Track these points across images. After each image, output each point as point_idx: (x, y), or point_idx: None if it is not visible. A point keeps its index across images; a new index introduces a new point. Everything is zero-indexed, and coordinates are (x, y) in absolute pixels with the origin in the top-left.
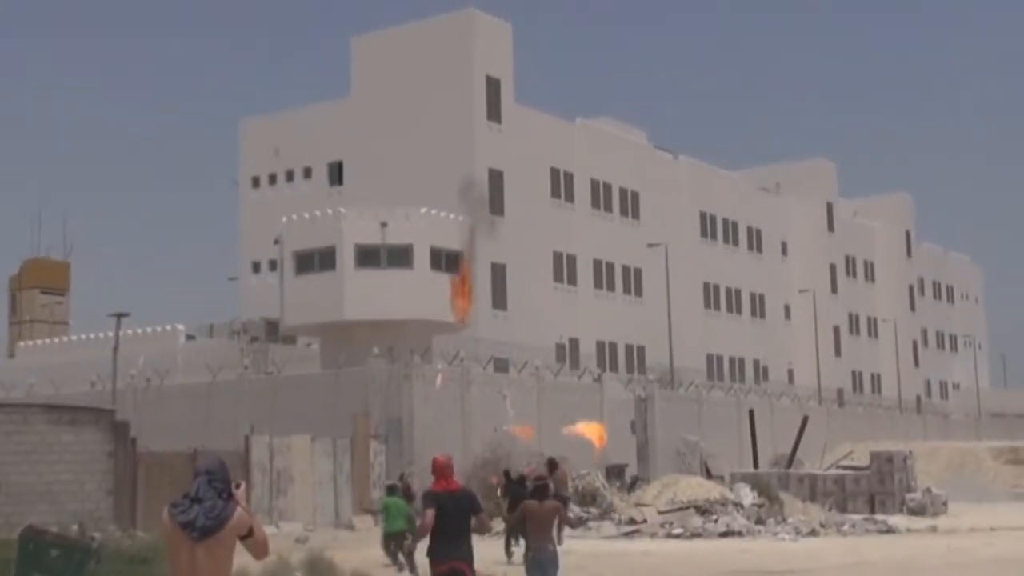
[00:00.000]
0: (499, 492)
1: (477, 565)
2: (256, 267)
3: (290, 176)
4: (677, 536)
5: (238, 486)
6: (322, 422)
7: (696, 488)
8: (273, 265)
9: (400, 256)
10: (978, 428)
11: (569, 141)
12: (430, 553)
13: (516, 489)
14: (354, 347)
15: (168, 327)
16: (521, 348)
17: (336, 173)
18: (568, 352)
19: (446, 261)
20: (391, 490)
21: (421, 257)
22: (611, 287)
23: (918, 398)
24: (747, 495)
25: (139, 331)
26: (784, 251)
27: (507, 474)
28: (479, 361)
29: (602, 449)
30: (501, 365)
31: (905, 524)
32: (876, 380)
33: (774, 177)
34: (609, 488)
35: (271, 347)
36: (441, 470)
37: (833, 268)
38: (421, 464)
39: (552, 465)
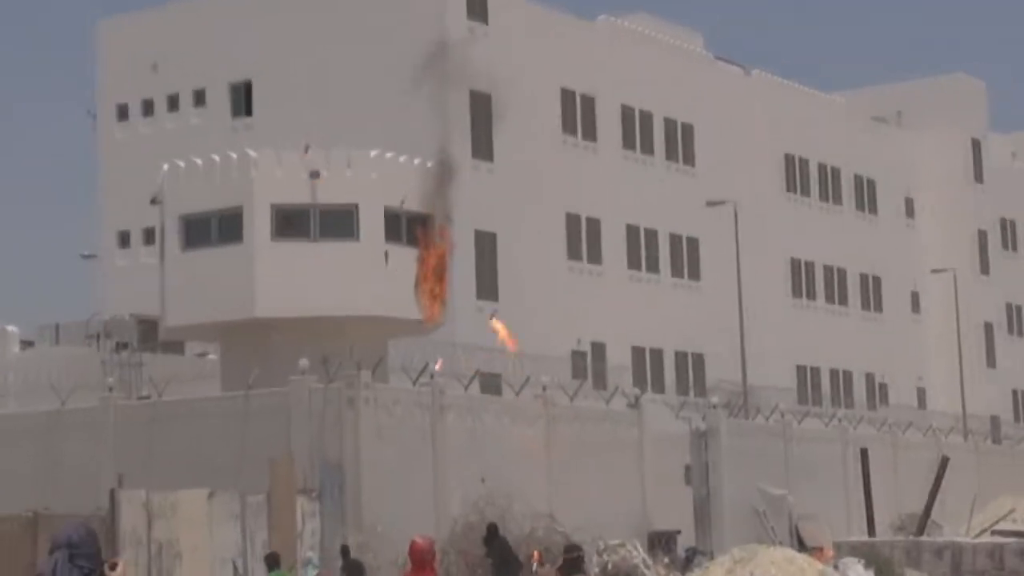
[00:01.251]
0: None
1: None
2: (124, 239)
3: (173, 103)
4: None
5: (113, 566)
6: (224, 470)
7: (784, 566)
8: (150, 236)
9: (339, 222)
10: None
11: (589, 49)
12: None
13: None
14: (271, 358)
15: None
16: (520, 358)
17: (242, 98)
18: (591, 363)
19: (408, 229)
20: (272, 564)
21: (371, 223)
22: (653, 266)
23: None
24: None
25: None
26: (910, 211)
27: (491, 529)
28: (459, 378)
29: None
30: (491, 383)
31: None
32: None
33: (893, 102)
34: (654, 566)
35: (147, 358)
36: (420, 559)
37: (983, 237)
38: (373, 532)
39: (572, 552)
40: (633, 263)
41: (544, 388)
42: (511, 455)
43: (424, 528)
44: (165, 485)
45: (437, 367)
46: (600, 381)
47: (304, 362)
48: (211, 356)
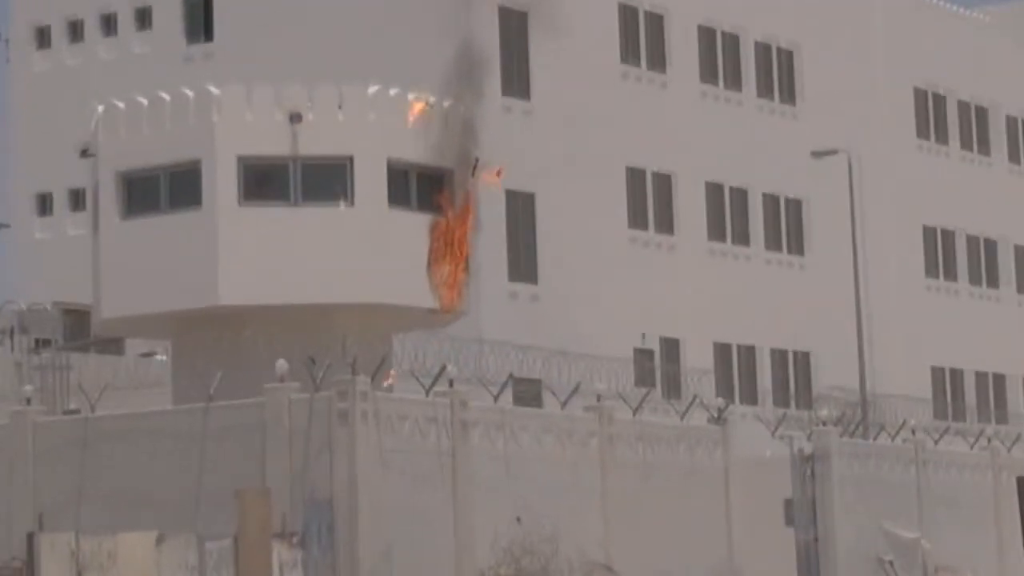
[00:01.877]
0: None
1: None
2: (44, 204)
3: (109, 24)
4: None
5: None
6: (178, 506)
7: None
8: (79, 200)
9: (328, 179)
10: None
11: None
12: None
13: None
14: (240, 360)
15: None
16: (567, 359)
17: (200, 17)
18: (660, 366)
19: (420, 189)
20: None
21: (369, 182)
22: (742, 237)
23: None
24: None
25: None
26: None
27: None
28: (486, 385)
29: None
30: (529, 393)
31: None
32: None
33: None
34: None
35: (77, 360)
36: None
37: None
38: None
39: None
40: (716, 233)
41: (599, 398)
42: (556, 486)
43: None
44: (100, 527)
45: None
46: (673, 389)
47: (283, 364)
48: (160, 357)
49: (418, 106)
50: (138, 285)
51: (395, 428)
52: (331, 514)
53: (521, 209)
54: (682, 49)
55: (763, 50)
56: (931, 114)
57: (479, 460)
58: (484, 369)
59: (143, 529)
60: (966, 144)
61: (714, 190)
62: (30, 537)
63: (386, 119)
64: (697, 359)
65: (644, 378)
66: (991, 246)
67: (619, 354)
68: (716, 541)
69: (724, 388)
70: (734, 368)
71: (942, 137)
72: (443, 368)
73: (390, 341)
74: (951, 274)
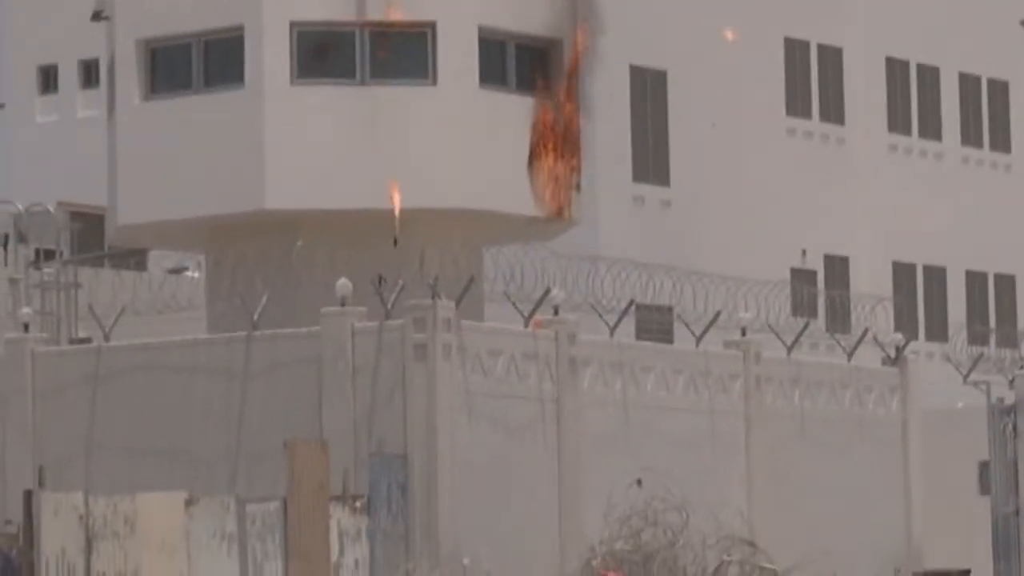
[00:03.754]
0: None
1: None
2: (48, 79)
3: None
4: None
5: None
6: (213, 460)
7: None
8: (92, 75)
9: (404, 52)
10: None
11: None
12: None
13: None
14: (291, 279)
15: None
16: (704, 281)
17: None
18: (823, 291)
19: (519, 66)
20: None
21: (455, 55)
22: (930, 129)
23: None
24: None
25: None
26: None
27: None
28: (601, 313)
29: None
30: (655, 323)
31: None
32: None
33: None
34: None
35: (87, 276)
36: None
37: None
38: (456, 566)
39: None
40: (897, 123)
41: (744, 331)
42: (687, 442)
43: (545, 562)
44: (116, 485)
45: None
46: (839, 320)
47: (345, 284)
48: (191, 274)
49: None
50: (164, 183)
51: (485, 366)
52: (404, 472)
53: (650, 91)
54: None
55: None
56: None
57: (591, 408)
58: (599, 293)
59: (169, 488)
60: None
61: (894, 68)
62: (28, 495)
63: None
64: (871, 282)
65: (802, 306)
66: None
67: (771, 276)
68: (890, 513)
69: (905, 320)
70: (918, 295)
71: None
72: (547, 291)
73: (480, 258)
74: None
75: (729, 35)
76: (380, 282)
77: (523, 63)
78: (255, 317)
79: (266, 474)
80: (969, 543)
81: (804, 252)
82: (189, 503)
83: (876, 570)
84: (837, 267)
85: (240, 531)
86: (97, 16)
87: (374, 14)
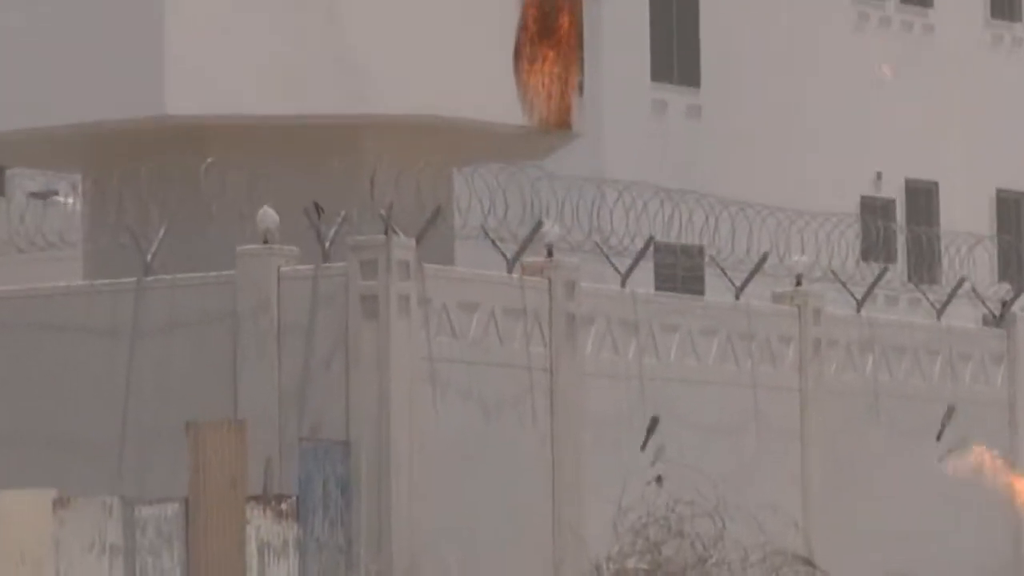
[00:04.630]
0: None
1: None
2: None
3: None
4: None
5: None
6: (92, 447)
7: None
8: None
9: None
10: None
11: None
12: None
13: None
14: (198, 208)
15: None
16: (746, 213)
17: None
18: (906, 221)
19: None
20: None
21: None
22: None
23: None
24: None
25: None
26: None
27: None
28: (609, 255)
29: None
30: (679, 269)
31: None
32: None
33: None
34: None
35: None
36: None
37: None
38: None
39: None
40: (1003, 7)
41: (798, 280)
42: (722, 427)
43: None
44: None
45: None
46: (924, 266)
47: (269, 216)
48: (63, 200)
49: None
50: (30, 81)
51: (456, 325)
52: (347, 464)
53: None
54: None
55: None
56: None
57: (595, 380)
58: (607, 229)
59: (33, 484)
60: None
61: None
62: None
63: None
64: (967, 217)
65: (877, 248)
66: None
67: (835, 207)
68: (994, 521)
69: (1013, 267)
70: None
71: None
72: (538, 226)
73: (450, 181)
74: None
75: (886, 71)
76: (317, 212)
77: None
78: (149, 258)
79: (162, 466)
80: None
81: (879, 176)
82: (59, 504)
83: None
84: (922, 196)
85: (127, 541)
86: None
87: None
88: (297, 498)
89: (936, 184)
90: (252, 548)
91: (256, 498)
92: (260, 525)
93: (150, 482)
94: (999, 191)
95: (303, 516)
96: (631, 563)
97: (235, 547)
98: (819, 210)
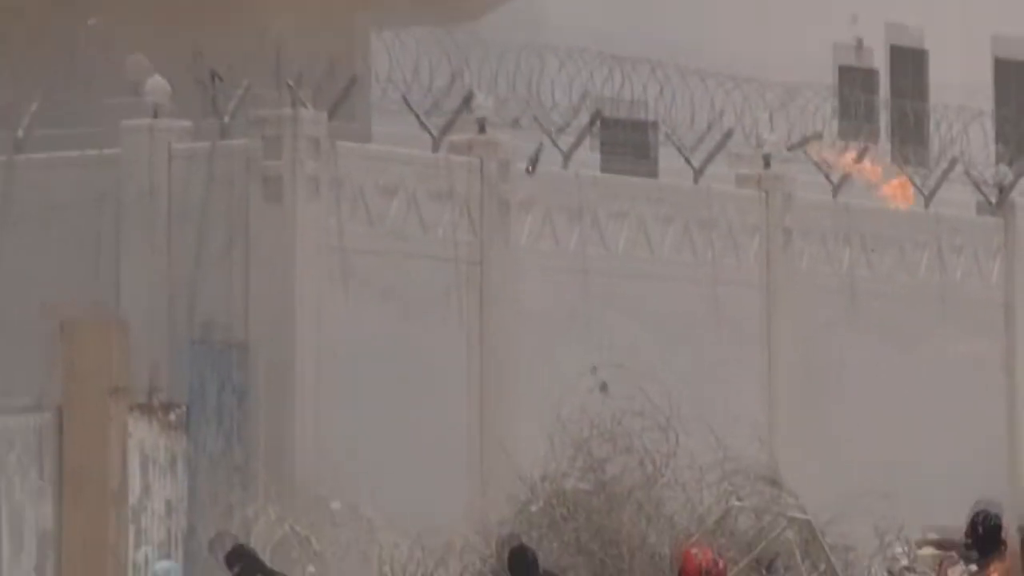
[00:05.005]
0: None
1: None
2: None
3: None
4: None
5: None
6: None
7: None
8: None
9: None
10: None
11: None
12: None
13: None
14: (74, 71)
15: None
16: (705, 81)
17: None
18: (890, 93)
19: None
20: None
21: None
22: None
23: None
24: None
25: None
26: None
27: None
28: (548, 131)
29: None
30: (627, 144)
31: None
32: None
33: None
34: None
35: None
36: None
37: None
38: (321, 512)
39: None
40: None
41: (766, 161)
42: (678, 327)
43: (458, 506)
44: None
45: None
46: (911, 145)
47: (159, 84)
48: None
49: None
50: None
51: (373, 210)
52: (244, 370)
53: None
54: None
55: None
56: None
57: (532, 274)
58: (547, 101)
59: None
60: None
61: None
62: None
63: None
64: (960, 88)
65: (856, 123)
66: None
67: (809, 76)
68: (987, 436)
69: (1013, 146)
70: None
71: None
72: (468, 98)
73: (367, 44)
74: None
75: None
76: (212, 80)
77: None
78: (19, 134)
79: (27, 370)
80: None
81: (860, 42)
82: None
83: (961, 520)
84: (910, 63)
85: None
86: None
87: None
88: (187, 408)
89: (925, 51)
90: (134, 464)
91: (140, 407)
92: (144, 438)
93: (16, 389)
94: (997, 59)
95: (193, 428)
96: (570, 483)
97: (115, 463)
98: (790, 80)
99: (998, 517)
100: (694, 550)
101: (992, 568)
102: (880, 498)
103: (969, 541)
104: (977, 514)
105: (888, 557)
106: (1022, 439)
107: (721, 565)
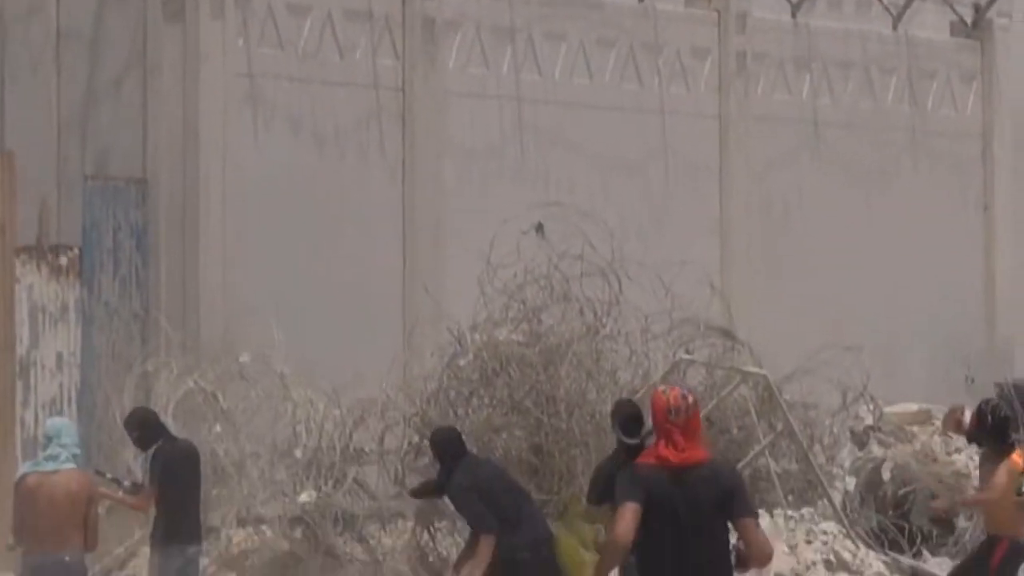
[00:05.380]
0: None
1: None
2: None
3: None
4: None
5: None
6: None
7: None
8: None
9: None
10: None
11: None
12: None
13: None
14: None
15: None
16: None
17: None
18: None
19: None
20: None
21: None
22: None
23: None
24: None
25: None
26: None
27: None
28: None
29: None
30: None
31: None
32: None
33: None
34: None
35: None
36: (666, 419)
37: None
38: (228, 365)
39: None
40: None
41: None
42: (621, 162)
43: (381, 357)
44: None
45: None
46: None
47: None
48: None
49: None
50: None
51: (284, 31)
52: (144, 210)
53: None
54: None
55: None
56: None
57: (461, 100)
58: None
59: None
60: None
61: None
62: None
63: None
64: None
65: None
66: None
67: None
68: (961, 285)
69: None
70: None
71: None
72: None
73: None
74: None
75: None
76: None
77: None
78: None
79: None
80: None
81: None
82: None
83: (935, 377)
84: None
85: None
86: None
87: None
88: (80, 251)
89: None
90: (22, 312)
91: (27, 250)
92: (33, 283)
93: None
94: None
95: (87, 273)
96: (503, 333)
97: (1, 311)
98: None
99: (1010, 407)
100: (661, 387)
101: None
102: (844, 351)
103: (975, 431)
104: (987, 402)
105: (852, 416)
106: (1000, 286)
107: (691, 400)
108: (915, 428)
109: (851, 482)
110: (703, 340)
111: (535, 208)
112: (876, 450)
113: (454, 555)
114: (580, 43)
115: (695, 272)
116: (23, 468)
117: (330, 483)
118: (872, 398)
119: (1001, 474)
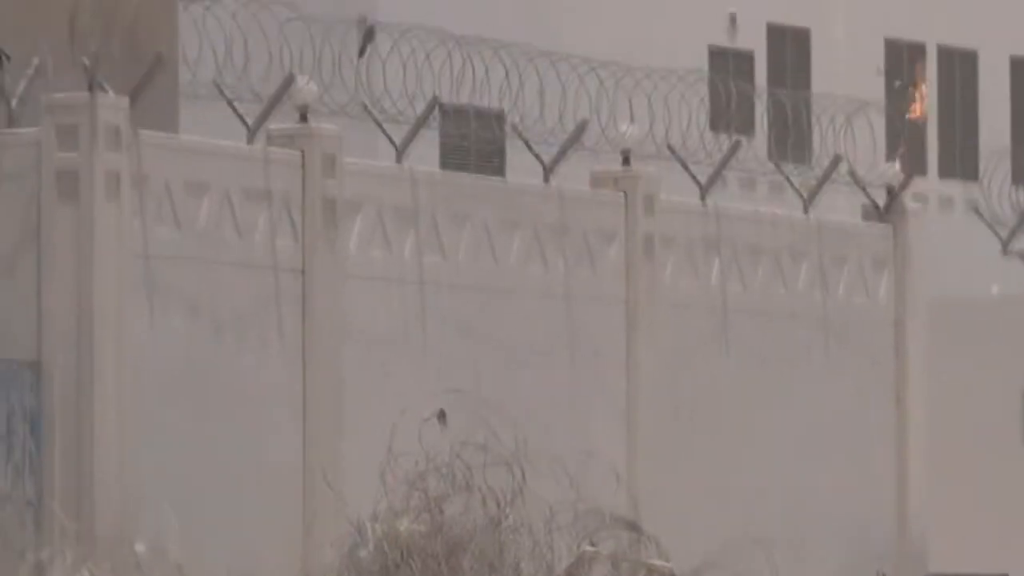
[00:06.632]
0: None
1: None
2: None
3: None
4: None
5: None
6: None
7: None
8: None
9: None
10: None
11: None
12: None
13: None
14: None
15: None
16: (561, 67)
17: None
18: (768, 80)
19: None
20: None
21: None
22: None
23: None
24: None
25: None
26: None
27: None
28: (380, 122)
29: None
30: (471, 140)
31: None
32: None
33: None
34: None
35: None
36: None
37: None
38: (124, 556)
39: None
40: None
41: (626, 158)
42: (526, 349)
43: (279, 549)
44: None
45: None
46: (791, 141)
47: None
48: None
49: None
50: None
51: (181, 212)
52: (37, 396)
53: None
54: None
55: None
56: None
57: (361, 286)
58: (378, 87)
59: None
60: None
61: None
62: None
63: None
64: (847, 75)
65: (728, 115)
66: None
67: (676, 62)
68: (873, 475)
69: (905, 143)
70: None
71: None
72: (288, 81)
73: (175, 18)
74: None
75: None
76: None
77: None
78: None
79: None
80: (1007, 520)
81: (733, 18)
82: None
83: (846, 572)
84: (790, 45)
85: None
86: None
87: None
88: None
89: (808, 30)
90: None
91: None
92: None
93: None
94: (888, 40)
95: None
96: (404, 524)
97: None
98: (654, 65)
99: None
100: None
101: None
102: (753, 545)
103: None
104: None
105: None
106: (913, 480)
107: None
108: None
109: None
110: (608, 532)
111: (437, 396)
112: None
113: None
114: (484, 225)
115: (601, 462)
116: None
117: None
118: None
119: None
